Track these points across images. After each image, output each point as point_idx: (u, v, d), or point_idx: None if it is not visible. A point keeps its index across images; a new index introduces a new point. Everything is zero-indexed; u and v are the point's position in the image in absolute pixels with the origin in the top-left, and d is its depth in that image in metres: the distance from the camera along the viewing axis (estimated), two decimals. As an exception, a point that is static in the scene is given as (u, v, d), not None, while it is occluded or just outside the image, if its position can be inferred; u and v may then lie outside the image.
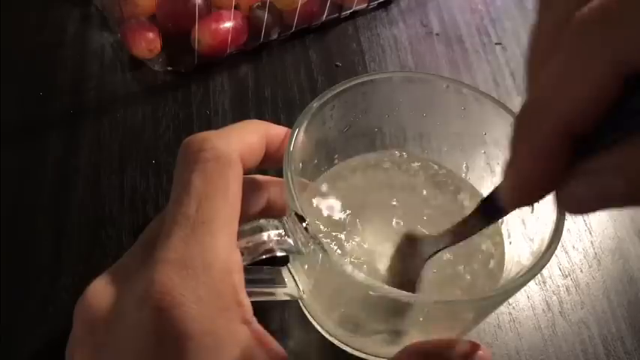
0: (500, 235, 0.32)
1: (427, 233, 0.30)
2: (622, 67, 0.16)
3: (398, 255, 0.29)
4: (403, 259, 0.29)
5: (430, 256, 0.28)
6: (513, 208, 0.21)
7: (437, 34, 0.48)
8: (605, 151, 0.17)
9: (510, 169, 0.19)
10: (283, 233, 0.25)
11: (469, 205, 0.33)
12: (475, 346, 0.24)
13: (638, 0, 0.15)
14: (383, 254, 0.30)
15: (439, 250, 0.28)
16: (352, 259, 0.30)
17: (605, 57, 0.16)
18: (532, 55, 0.19)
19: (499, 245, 0.32)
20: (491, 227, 0.32)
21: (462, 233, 0.26)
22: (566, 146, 0.17)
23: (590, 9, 0.16)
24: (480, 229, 0.25)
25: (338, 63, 0.45)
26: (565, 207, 0.19)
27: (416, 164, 0.34)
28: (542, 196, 0.19)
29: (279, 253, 0.26)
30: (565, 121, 0.17)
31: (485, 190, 0.33)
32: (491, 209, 0.23)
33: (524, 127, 0.18)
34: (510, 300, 0.36)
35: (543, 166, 0.18)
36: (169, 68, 0.43)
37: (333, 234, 0.31)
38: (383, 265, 0.30)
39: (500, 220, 0.32)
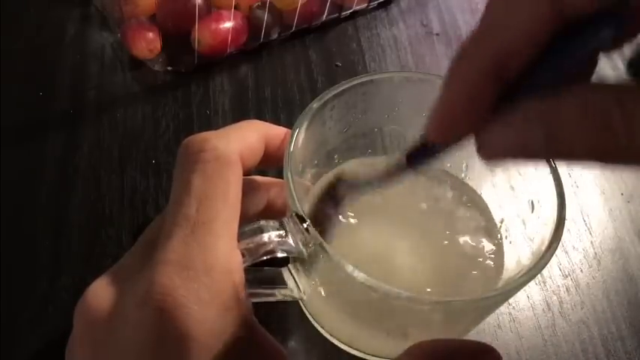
0: (500, 234, 0.32)
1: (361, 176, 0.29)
2: (556, 6, 0.16)
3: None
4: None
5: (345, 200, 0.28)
6: (433, 143, 0.21)
7: (437, 34, 0.48)
8: (530, 101, 0.17)
9: (437, 101, 0.19)
10: (284, 234, 0.25)
11: (469, 206, 0.33)
12: (484, 347, 0.24)
13: None
14: (383, 254, 0.30)
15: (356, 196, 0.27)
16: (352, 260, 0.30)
17: None
18: None
19: (498, 245, 0.32)
20: (490, 226, 0.32)
21: (391, 175, 0.25)
22: (492, 87, 0.17)
23: None
24: (406, 171, 0.24)
25: (338, 63, 0.45)
26: (480, 153, 0.18)
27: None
28: (461, 136, 0.19)
29: (279, 254, 0.26)
30: (493, 60, 0.17)
31: (485, 190, 0.33)
32: (421, 151, 0.23)
33: (457, 61, 0.18)
34: (510, 300, 0.36)
35: (467, 104, 0.18)
36: (169, 68, 0.43)
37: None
38: (383, 265, 0.30)
39: (499, 220, 0.32)
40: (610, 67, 0.44)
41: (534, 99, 0.17)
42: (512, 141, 0.17)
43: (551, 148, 0.17)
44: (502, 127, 0.17)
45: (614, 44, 0.17)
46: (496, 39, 0.17)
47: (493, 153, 0.18)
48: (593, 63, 0.18)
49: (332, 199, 0.28)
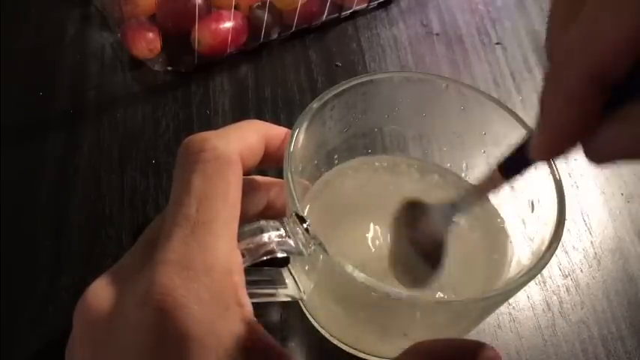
0: (506, 234, 0.32)
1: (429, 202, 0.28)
2: None
3: (406, 229, 0.28)
4: (416, 232, 0.28)
5: (449, 223, 0.27)
6: (542, 158, 0.21)
7: (437, 34, 0.48)
8: (637, 101, 0.17)
9: (540, 118, 0.19)
10: (284, 234, 0.25)
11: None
12: (484, 347, 0.24)
13: None
14: (383, 254, 0.30)
15: (458, 214, 0.27)
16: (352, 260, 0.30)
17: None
18: (553, 20, 0.19)
19: (503, 244, 0.32)
20: (497, 227, 0.32)
21: (483, 192, 0.25)
22: (597, 93, 0.17)
23: None
24: (502, 186, 0.24)
25: (338, 63, 0.45)
26: (591, 154, 0.18)
27: (415, 166, 0.34)
28: (572, 143, 0.19)
29: (279, 254, 0.26)
30: (596, 66, 0.17)
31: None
32: (515, 163, 0.23)
33: (553, 79, 0.18)
34: (510, 300, 0.36)
35: (574, 112, 0.18)
36: (169, 68, 0.43)
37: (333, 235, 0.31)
38: (383, 265, 0.30)
39: (499, 219, 0.32)
40: None
41: None
42: (623, 145, 0.17)
43: None
44: (612, 133, 0.17)
45: None
46: (594, 46, 0.17)
47: (604, 157, 0.18)
48: None
49: (406, 226, 0.28)
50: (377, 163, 0.34)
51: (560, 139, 0.19)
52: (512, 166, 0.23)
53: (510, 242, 0.32)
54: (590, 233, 0.39)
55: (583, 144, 0.19)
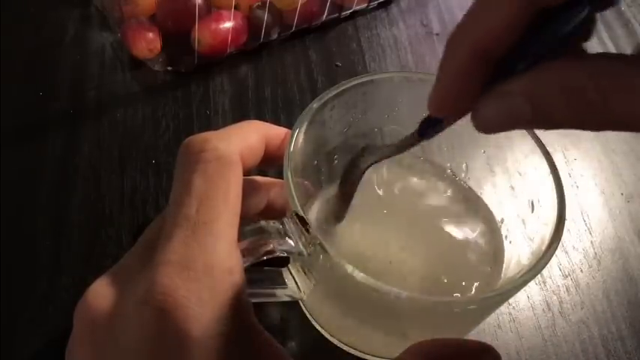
0: (499, 233, 0.32)
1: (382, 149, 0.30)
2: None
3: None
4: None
5: (370, 165, 0.29)
6: (433, 113, 0.23)
7: (437, 34, 0.48)
8: (516, 76, 0.19)
9: (435, 81, 0.21)
10: (284, 234, 0.25)
11: (466, 206, 0.33)
12: (484, 347, 0.24)
13: None
14: (383, 254, 0.30)
15: (377, 161, 0.28)
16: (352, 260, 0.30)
17: None
18: None
19: (498, 244, 0.32)
20: (492, 227, 0.32)
21: (404, 146, 0.27)
22: (480, 67, 0.19)
23: None
24: (419, 141, 0.26)
25: (338, 63, 0.46)
26: (476, 125, 0.21)
27: (413, 164, 0.34)
28: (458, 112, 0.21)
29: (279, 254, 0.26)
30: (478, 42, 0.19)
31: (486, 190, 0.33)
32: (429, 122, 0.25)
33: (447, 47, 0.20)
34: (510, 300, 0.36)
35: (459, 84, 0.20)
36: (169, 68, 0.43)
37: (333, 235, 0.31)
38: (383, 265, 0.30)
39: (499, 220, 0.32)
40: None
41: (520, 76, 0.19)
42: (502, 113, 0.19)
43: (538, 119, 0.19)
44: (491, 102, 0.19)
45: (587, 33, 0.19)
46: (480, 26, 0.19)
47: (487, 125, 0.20)
48: (587, 32, 0.19)
49: (356, 167, 0.29)
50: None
51: (447, 102, 0.21)
52: (427, 126, 0.25)
53: (511, 242, 0.32)
54: (590, 233, 0.39)
55: (471, 112, 0.21)
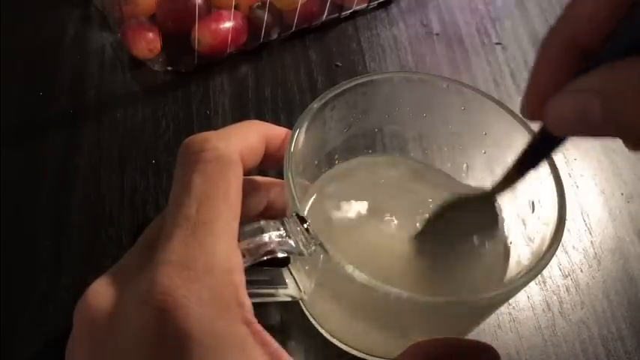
0: (503, 234, 0.32)
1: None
2: None
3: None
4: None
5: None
6: (527, 117, 0.22)
7: (437, 34, 0.48)
8: (589, 74, 0.18)
9: (529, 82, 0.20)
10: (284, 234, 0.25)
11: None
12: (483, 347, 0.24)
13: None
14: (383, 255, 0.30)
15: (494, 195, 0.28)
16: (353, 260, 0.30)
17: None
18: None
19: (500, 245, 0.32)
20: (493, 227, 0.32)
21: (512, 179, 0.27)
22: (572, 58, 0.18)
23: None
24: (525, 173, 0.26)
25: (338, 63, 0.45)
26: (546, 123, 0.19)
27: (414, 167, 0.34)
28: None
29: (280, 254, 0.26)
30: (577, 32, 0.18)
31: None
32: (532, 149, 0.24)
33: (546, 39, 0.19)
34: (510, 300, 0.36)
35: (550, 76, 0.19)
36: (169, 68, 0.43)
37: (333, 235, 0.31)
38: (383, 265, 0.30)
39: (502, 220, 0.32)
40: None
41: (592, 73, 0.18)
42: (573, 111, 0.18)
43: (607, 118, 0.17)
44: (564, 98, 0.18)
45: None
46: (579, 14, 0.18)
47: (558, 123, 0.19)
48: None
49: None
50: (377, 159, 0.34)
51: (540, 98, 0.20)
52: (532, 156, 0.25)
53: (511, 243, 0.32)
54: (590, 233, 0.39)
55: (543, 111, 0.19)
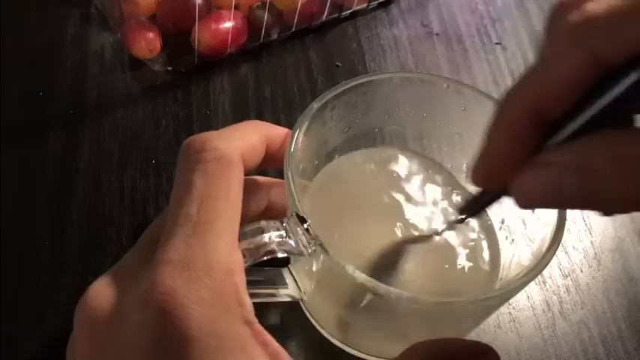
0: (494, 235, 0.32)
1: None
2: (593, 57, 0.16)
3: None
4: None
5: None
6: (477, 184, 0.21)
7: (437, 34, 0.48)
8: (561, 146, 0.17)
9: (482, 144, 0.19)
10: (284, 234, 0.25)
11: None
12: (483, 347, 0.24)
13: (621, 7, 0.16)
14: (383, 255, 0.30)
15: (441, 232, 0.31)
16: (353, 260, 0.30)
17: (581, 45, 0.16)
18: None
19: (495, 245, 0.32)
20: (486, 228, 0.32)
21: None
22: (532, 130, 0.18)
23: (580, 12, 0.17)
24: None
25: (338, 63, 0.45)
26: (515, 198, 0.19)
27: (413, 161, 0.34)
28: (502, 180, 0.19)
29: (280, 254, 0.26)
30: (537, 102, 0.17)
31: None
32: (470, 204, 0.26)
33: (502, 105, 0.19)
34: (510, 300, 0.36)
35: (508, 147, 0.18)
36: (169, 68, 0.43)
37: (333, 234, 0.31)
38: (383, 265, 0.30)
39: (500, 220, 0.32)
40: None
41: (565, 146, 0.17)
42: (545, 186, 0.17)
43: (583, 193, 0.17)
44: (535, 172, 0.18)
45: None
46: (540, 84, 0.17)
47: (528, 198, 0.18)
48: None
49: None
50: (378, 156, 0.34)
51: (496, 169, 0.19)
52: (469, 209, 0.27)
53: (512, 241, 0.32)
54: (590, 233, 0.39)
55: (511, 185, 0.18)
